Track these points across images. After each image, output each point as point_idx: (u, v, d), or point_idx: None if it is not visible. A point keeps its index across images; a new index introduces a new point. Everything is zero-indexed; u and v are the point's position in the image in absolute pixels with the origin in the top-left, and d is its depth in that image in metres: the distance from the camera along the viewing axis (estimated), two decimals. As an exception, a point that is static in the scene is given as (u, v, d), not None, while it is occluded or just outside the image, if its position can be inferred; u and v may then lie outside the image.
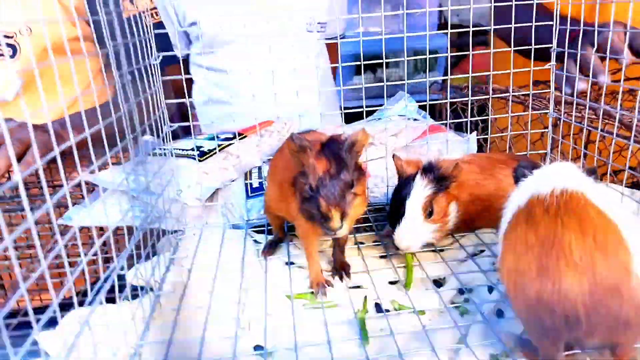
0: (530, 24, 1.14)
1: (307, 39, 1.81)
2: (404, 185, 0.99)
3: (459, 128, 1.54)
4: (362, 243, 1.09)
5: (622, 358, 0.65)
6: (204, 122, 1.85)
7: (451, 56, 1.27)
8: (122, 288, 0.80)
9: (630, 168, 0.98)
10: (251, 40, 1.64)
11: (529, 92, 1.23)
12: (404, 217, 0.96)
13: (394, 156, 1.05)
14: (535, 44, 1.15)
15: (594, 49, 1.06)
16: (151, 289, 0.93)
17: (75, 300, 0.66)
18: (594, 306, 0.59)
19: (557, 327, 0.61)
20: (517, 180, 0.79)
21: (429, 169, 0.98)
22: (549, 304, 0.61)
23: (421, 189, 0.96)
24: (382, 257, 1.04)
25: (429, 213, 0.96)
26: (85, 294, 0.71)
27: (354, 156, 0.85)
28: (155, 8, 1.75)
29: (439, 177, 0.97)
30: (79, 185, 1.25)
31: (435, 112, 1.76)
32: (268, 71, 1.19)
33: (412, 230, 0.96)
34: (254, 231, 1.18)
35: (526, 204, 0.70)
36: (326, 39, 1.97)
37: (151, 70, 1.06)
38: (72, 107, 1.40)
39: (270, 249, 1.06)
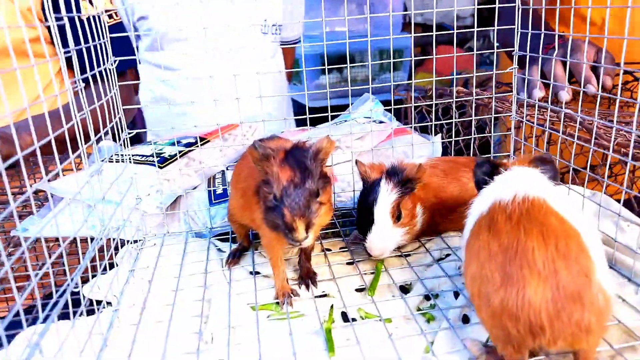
0: (509, 26, 1.15)
1: (261, 41, 1.78)
2: (370, 191, 0.98)
3: (424, 130, 1.54)
4: (329, 250, 1.07)
5: None
6: (150, 120, 1.80)
7: (416, 55, 1.27)
8: (77, 303, 0.76)
9: (591, 167, 1.00)
10: (202, 39, 1.60)
11: (491, 95, 1.24)
12: (374, 224, 0.95)
13: (357, 162, 1.05)
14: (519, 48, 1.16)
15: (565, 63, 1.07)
16: (109, 304, 0.89)
17: (23, 319, 0.63)
18: (557, 313, 0.60)
19: (522, 335, 0.61)
20: (478, 185, 0.80)
21: (392, 173, 0.98)
22: (513, 312, 0.61)
23: (387, 194, 0.96)
24: (349, 263, 1.03)
25: (397, 217, 0.96)
26: (30, 311, 0.67)
27: (319, 164, 0.84)
28: (110, 10, 1.69)
29: (404, 180, 0.97)
30: (35, 193, 1.19)
31: (401, 114, 1.77)
32: (219, 72, 1.15)
33: (384, 236, 0.96)
34: (217, 239, 1.15)
35: (488, 210, 0.70)
36: (282, 42, 1.95)
37: (107, 75, 1.02)
38: (22, 113, 1.35)
39: (235, 258, 1.03)
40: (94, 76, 0.89)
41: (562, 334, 0.61)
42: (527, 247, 0.62)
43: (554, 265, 0.61)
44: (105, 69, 1.00)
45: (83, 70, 0.87)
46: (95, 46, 0.95)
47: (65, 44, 0.82)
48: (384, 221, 0.95)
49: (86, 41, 0.89)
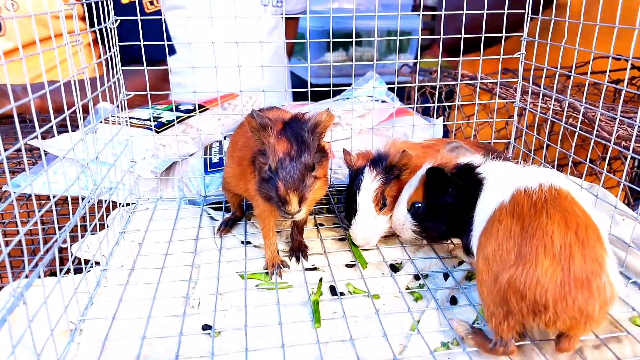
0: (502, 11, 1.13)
1: (261, 12, 1.74)
2: (355, 179, 0.96)
3: (426, 112, 1.53)
4: (322, 224, 1.07)
5: (567, 349, 0.66)
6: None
7: (424, 38, 1.24)
8: (65, 262, 0.76)
9: (590, 161, 0.99)
10: (200, 6, 1.57)
11: (496, 80, 1.22)
12: (358, 212, 0.93)
13: (343, 150, 1.03)
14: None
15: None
16: (97, 263, 0.89)
17: (9, 271, 0.62)
18: (563, 296, 0.61)
19: (523, 312, 0.63)
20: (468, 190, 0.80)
21: (377, 160, 0.96)
22: (520, 289, 0.63)
23: (369, 182, 0.93)
24: (341, 239, 1.02)
25: (381, 205, 0.94)
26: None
27: (316, 137, 0.82)
28: None
29: (387, 166, 0.94)
30: (30, 151, 1.18)
31: (404, 95, 1.75)
32: (216, 42, 1.12)
33: (367, 225, 0.93)
34: (211, 208, 1.14)
35: (511, 198, 0.71)
36: (287, 14, 1.91)
37: (108, 34, 1.00)
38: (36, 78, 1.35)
39: (227, 227, 1.03)
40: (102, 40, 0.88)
41: (562, 317, 0.62)
42: (547, 229, 0.64)
43: (570, 249, 0.62)
44: (105, 27, 0.98)
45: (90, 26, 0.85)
46: (97, 3, 0.94)
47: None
48: (367, 210, 0.93)
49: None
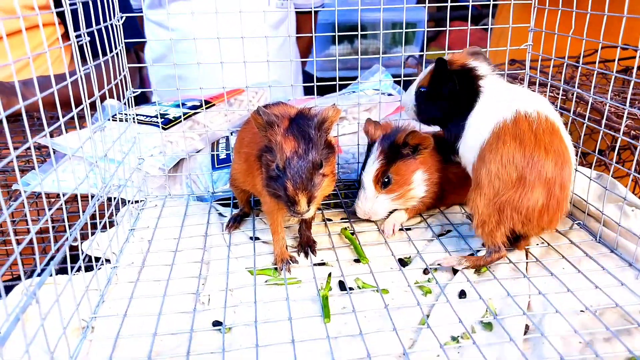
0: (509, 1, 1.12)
1: (265, 5, 1.73)
2: (368, 152, 1.01)
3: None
4: (330, 220, 1.07)
5: (523, 247, 0.91)
6: (153, 81, 1.78)
7: (429, 30, 1.24)
8: (76, 260, 0.76)
9: (599, 151, 0.98)
10: (205, 0, 1.55)
11: (503, 72, 1.21)
12: (362, 188, 0.99)
13: (367, 120, 1.05)
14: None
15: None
16: (108, 261, 0.89)
17: (21, 270, 0.63)
18: (543, 214, 0.84)
19: (514, 221, 0.84)
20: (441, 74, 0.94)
21: (386, 137, 0.99)
22: (517, 206, 0.83)
23: (372, 162, 0.98)
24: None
25: (383, 183, 0.98)
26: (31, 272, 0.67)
27: (323, 134, 0.82)
28: None
29: (394, 145, 0.97)
30: (39, 149, 1.18)
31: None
32: (220, 34, 1.11)
33: (367, 202, 0.99)
34: (219, 204, 1.15)
35: (514, 120, 0.85)
36: (297, 9, 1.89)
37: (113, 31, 1.00)
38: (22, 72, 1.33)
39: (235, 223, 1.03)
40: (93, 34, 0.87)
41: (540, 226, 0.85)
42: (544, 164, 0.83)
43: (555, 181, 0.83)
44: (111, 24, 0.98)
45: (89, 26, 0.85)
46: (102, 1, 0.93)
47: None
48: (369, 187, 0.98)
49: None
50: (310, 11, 1.96)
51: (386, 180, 0.97)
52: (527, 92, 0.93)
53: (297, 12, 1.95)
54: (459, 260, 0.86)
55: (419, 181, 1.00)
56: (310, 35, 1.24)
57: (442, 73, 0.94)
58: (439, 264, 0.88)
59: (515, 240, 0.89)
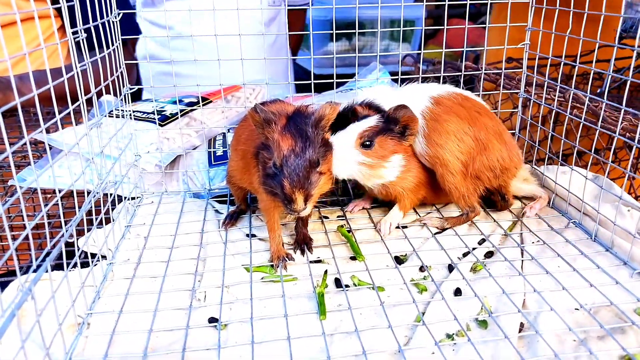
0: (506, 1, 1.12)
1: (257, 3, 1.72)
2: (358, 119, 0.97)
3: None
4: (326, 217, 1.07)
5: (508, 206, 1.07)
6: (144, 78, 1.76)
7: (427, 27, 1.24)
8: (72, 256, 0.76)
9: (595, 151, 0.99)
10: None
11: (500, 71, 1.22)
12: (340, 132, 0.93)
13: (361, 103, 1.02)
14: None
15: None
16: (104, 257, 0.89)
17: (16, 266, 0.63)
18: (511, 161, 0.99)
19: (490, 178, 0.98)
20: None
21: (382, 111, 0.98)
22: (491, 164, 0.97)
23: (368, 120, 0.95)
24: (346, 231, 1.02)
25: (365, 144, 0.93)
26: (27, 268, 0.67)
27: (320, 131, 0.82)
28: None
29: (389, 117, 0.95)
30: (35, 145, 1.18)
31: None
32: (209, 32, 1.11)
33: (341, 150, 0.91)
34: (215, 201, 1.15)
35: (435, 102, 0.97)
36: (290, 6, 1.89)
37: (110, 27, 1.00)
38: (16, 64, 1.33)
39: (231, 220, 1.03)
40: (90, 30, 0.87)
41: (511, 172, 1.01)
42: (487, 124, 0.98)
43: (499, 130, 0.99)
44: (108, 21, 0.98)
45: (86, 22, 0.85)
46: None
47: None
48: (350, 138, 0.92)
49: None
50: (301, 8, 1.96)
51: (368, 143, 0.93)
52: (421, 85, 1.07)
53: (288, 10, 1.95)
54: (442, 224, 1.00)
55: (396, 164, 0.96)
56: (302, 32, 1.24)
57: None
58: (424, 223, 1.02)
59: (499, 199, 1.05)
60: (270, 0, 1.78)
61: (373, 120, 0.95)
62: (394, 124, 0.95)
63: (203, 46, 1.14)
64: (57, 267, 0.75)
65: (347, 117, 0.96)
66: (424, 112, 0.97)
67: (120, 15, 1.04)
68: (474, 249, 0.93)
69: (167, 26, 1.16)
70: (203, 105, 1.21)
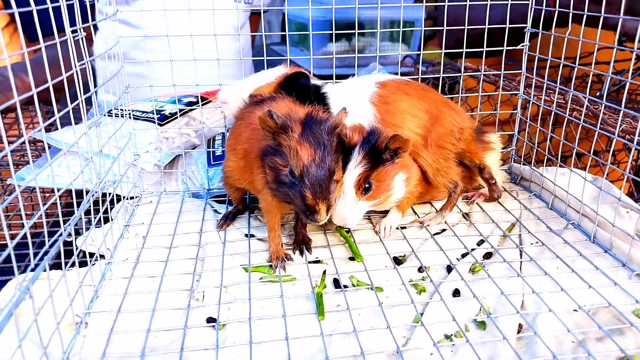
0: (505, 1, 1.12)
1: (232, 7, 1.70)
2: (346, 156, 0.91)
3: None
4: (324, 217, 1.07)
5: (499, 193, 1.11)
6: (100, 76, 1.73)
7: (427, 28, 1.24)
8: (70, 255, 0.76)
9: (594, 153, 0.99)
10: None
11: (500, 72, 1.22)
12: (341, 195, 0.90)
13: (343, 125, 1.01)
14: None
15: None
16: (102, 257, 0.89)
17: (14, 265, 0.62)
18: (465, 122, 1.04)
19: (455, 145, 1.01)
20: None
21: (367, 140, 0.91)
22: (446, 131, 1.01)
23: (354, 166, 0.90)
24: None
25: (364, 189, 0.91)
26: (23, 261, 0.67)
27: (334, 139, 0.82)
28: None
29: (375, 150, 0.90)
30: (34, 144, 1.17)
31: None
32: (179, 32, 1.11)
33: (347, 208, 0.91)
34: (214, 200, 1.15)
35: (381, 85, 1.00)
36: (252, 10, 1.88)
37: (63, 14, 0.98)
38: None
39: (228, 220, 1.02)
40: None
41: (469, 128, 1.05)
42: (430, 95, 1.02)
43: (444, 100, 1.03)
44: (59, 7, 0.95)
45: (84, 20, 0.84)
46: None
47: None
48: (349, 193, 0.91)
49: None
50: (259, 13, 1.93)
51: (367, 186, 0.91)
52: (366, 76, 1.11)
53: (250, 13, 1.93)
54: (437, 216, 1.03)
55: (399, 183, 0.95)
56: (301, 32, 1.24)
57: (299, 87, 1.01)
58: (427, 225, 1.02)
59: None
60: (244, 6, 1.76)
61: (359, 159, 0.90)
62: (384, 152, 0.90)
63: (177, 47, 1.14)
64: (56, 266, 0.75)
65: (306, 89, 1.02)
66: (372, 98, 0.99)
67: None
68: (472, 249, 0.93)
69: (135, 25, 1.15)
70: (202, 105, 1.21)
